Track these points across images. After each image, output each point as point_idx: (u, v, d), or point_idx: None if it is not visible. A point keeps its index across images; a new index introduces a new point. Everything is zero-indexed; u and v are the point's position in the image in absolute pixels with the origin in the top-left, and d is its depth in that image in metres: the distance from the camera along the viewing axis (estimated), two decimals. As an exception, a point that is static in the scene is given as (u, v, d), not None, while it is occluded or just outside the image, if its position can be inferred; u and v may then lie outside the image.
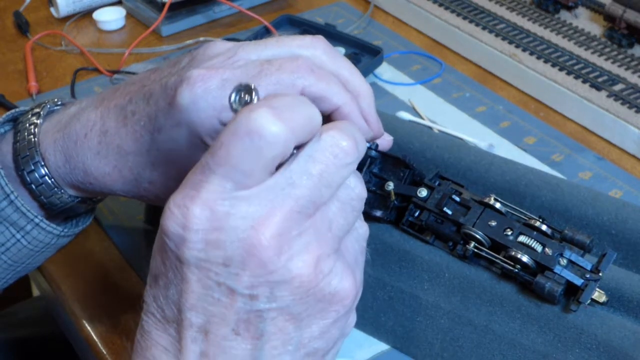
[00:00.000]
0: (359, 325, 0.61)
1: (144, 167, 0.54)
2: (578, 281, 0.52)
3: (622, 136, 0.81)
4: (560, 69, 0.87)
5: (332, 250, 0.42)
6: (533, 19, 0.96)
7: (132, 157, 0.54)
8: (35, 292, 1.28)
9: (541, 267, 0.53)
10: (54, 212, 0.59)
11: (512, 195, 0.62)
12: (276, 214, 0.40)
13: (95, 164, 0.55)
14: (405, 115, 0.84)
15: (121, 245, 0.70)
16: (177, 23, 1.00)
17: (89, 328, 0.64)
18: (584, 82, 0.85)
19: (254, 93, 0.41)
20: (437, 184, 0.58)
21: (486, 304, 0.56)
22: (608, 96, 0.83)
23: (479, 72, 0.93)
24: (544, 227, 0.54)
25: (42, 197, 0.57)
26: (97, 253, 0.70)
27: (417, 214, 0.58)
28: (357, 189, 0.43)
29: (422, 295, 0.58)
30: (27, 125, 0.57)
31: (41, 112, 0.58)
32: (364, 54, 0.92)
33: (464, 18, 0.96)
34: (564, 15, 0.96)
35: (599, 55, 0.89)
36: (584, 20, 0.96)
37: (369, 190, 0.48)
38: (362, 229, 0.46)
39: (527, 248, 0.54)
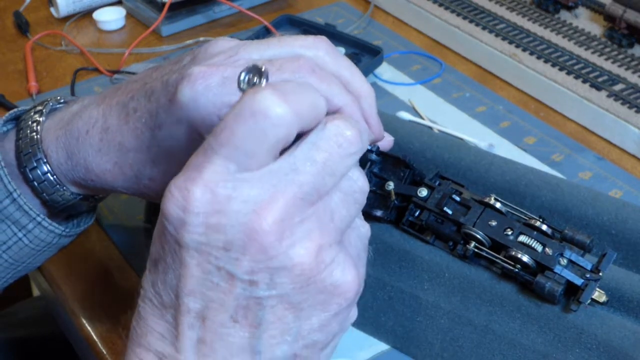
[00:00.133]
0: (359, 325, 0.61)
1: (144, 164, 0.54)
2: (578, 281, 0.52)
3: (622, 136, 0.81)
4: (560, 69, 0.87)
5: (334, 241, 0.42)
6: (533, 19, 0.96)
7: (133, 154, 0.54)
8: (35, 292, 1.28)
9: (541, 267, 0.53)
10: (56, 210, 0.59)
11: (512, 195, 0.62)
12: (279, 199, 0.39)
13: (96, 160, 0.55)
14: (405, 115, 0.84)
15: (121, 245, 0.70)
16: (177, 23, 1.00)
17: (89, 328, 0.64)
18: (584, 82, 0.85)
19: (263, 75, 0.41)
20: (437, 183, 0.58)
21: (486, 304, 0.56)
22: (608, 96, 0.83)
23: (479, 72, 0.93)
24: (544, 227, 0.54)
25: (44, 194, 0.57)
26: (97, 253, 0.70)
27: (417, 213, 0.58)
28: (359, 182, 0.43)
29: (422, 295, 0.58)
30: (30, 122, 0.58)
31: (44, 110, 0.58)
32: (364, 54, 0.92)
33: (464, 18, 0.96)
34: (564, 15, 0.96)
35: (599, 55, 0.89)
36: (584, 20, 0.96)
37: (369, 190, 0.48)
38: (364, 228, 0.46)
39: (527, 248, 0.54)
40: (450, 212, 0.56)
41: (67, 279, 0.68)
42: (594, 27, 0.94)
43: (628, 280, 0.55)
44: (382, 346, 0.61)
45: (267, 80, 0.41)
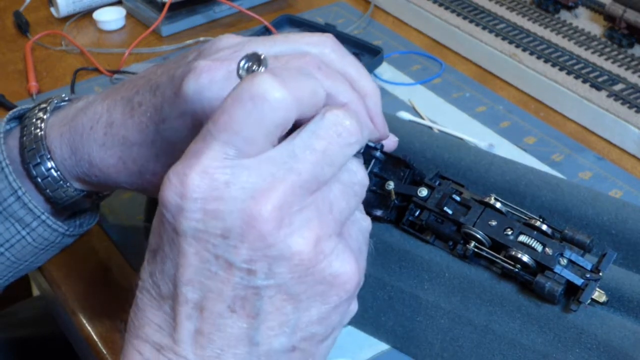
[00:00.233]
0: (359, 325, 0.61)
1: (148, 159, 0.54)
2: (578, 281, 0.52)
3: (622, 136, 0.81)
4: (560, 69, 0.87)
5: (334, 232, 0.41)
6: (533, 19, 0.96)
7: (137, 148, 0.54)
8: (35, 292, 1.28)
9: (541, 266, 0.53)
10: (59, 206, 0.59)
11: (512, 195, 0.62)
12: (278, 186, 0.39)
13: (100, 155, 0.55)
14: (405, 115, 0.84)
15: (121, 245, 0.70)
16: (177, 23, 1.00)
17: (89, 328, 0.64)
18: (584, 82, 0.85)
19: (262, 63, 0.41)
20: (437, 183, 0.58)
21: (486, 304, 0.56)
22: (608, 96, 0.83)
23: (479, 72, 0.93)
24: (544, 227, 0.54)
25: (48, 190, 0.58)
26: (97, 253, 0.70)
27: (417, 213, 0.58)
28: (359, 174, 0.43)
29: (422, 295, 0.58)
30: (34, 120, 0.58)
31: (48, 108, 0.59)
32: (364, 54, 0.92)
33: (464, 18, 0.96)
34: (564, 15, 0.96)
35: (599, 55, 0.89)
36: (584, 20, 0.96)
37: (369, 190, 0.48)
38: (365, 221, 0.46)
39: (527, 248, 0.54)
40: (450, 212, 0.56)
41: (67, 279, 0.68)
42: (594, 27, 0.94)
43: (628, 280, 0.55)
44: (382, 346, 0.61)
45: (266, 67, 0.41)
